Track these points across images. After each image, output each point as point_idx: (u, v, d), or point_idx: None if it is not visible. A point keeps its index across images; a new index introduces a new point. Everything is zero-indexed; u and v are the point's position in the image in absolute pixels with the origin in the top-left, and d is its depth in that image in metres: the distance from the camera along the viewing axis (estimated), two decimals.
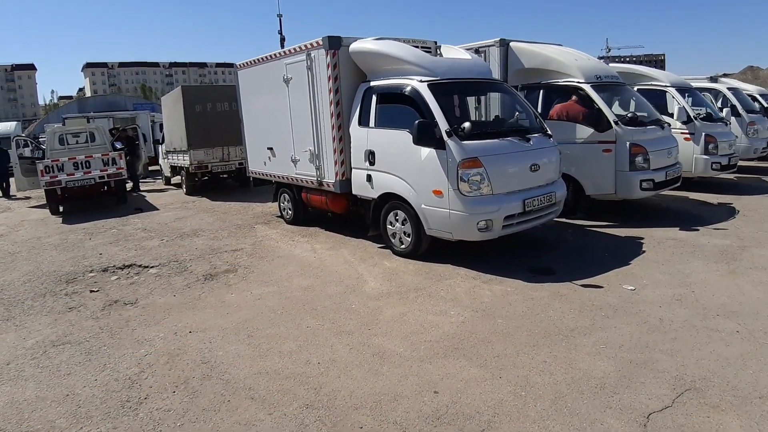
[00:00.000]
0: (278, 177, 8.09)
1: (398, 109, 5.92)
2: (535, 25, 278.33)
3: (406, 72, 5.89)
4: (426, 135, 5.34)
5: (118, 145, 12.05)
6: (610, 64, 9.74)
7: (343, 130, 6.49)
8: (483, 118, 7.23)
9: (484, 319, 4.24)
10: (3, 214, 11.65)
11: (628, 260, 5.53)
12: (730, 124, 9.73)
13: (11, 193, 14.36)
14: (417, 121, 5.36)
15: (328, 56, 6.31)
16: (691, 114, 8.78)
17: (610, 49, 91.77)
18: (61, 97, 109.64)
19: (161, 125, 15.62)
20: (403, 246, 6.03)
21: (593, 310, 4.31)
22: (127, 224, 9.15)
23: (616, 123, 6.89)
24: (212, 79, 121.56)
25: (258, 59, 8.03)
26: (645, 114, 7.69)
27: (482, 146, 5.37)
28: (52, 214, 10.70)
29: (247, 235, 7.72)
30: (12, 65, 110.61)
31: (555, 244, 6.30)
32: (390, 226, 6.16)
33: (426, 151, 5.46)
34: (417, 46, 6.40)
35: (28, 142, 13.41)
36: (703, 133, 8.74)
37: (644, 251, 5.86)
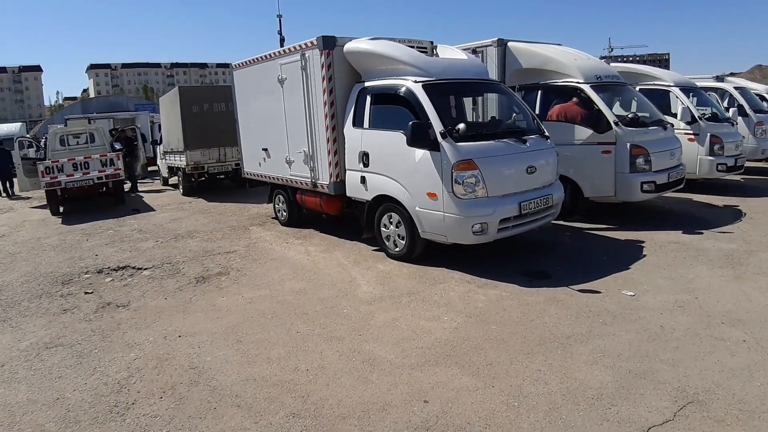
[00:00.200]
0: (273, 178, 8.02)
1: (393, 110, 5.84)
2: (535, 25, 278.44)
3: (400, 72, 5.81)
4: (420, 136, 5.27)
5: (117, 146, 12.06)
6: (612, 64, 9.63)
7: (337, 131, 6.42)
8: (479, 120, 7.12)
9: (478, 324, 4.14)
10: (6, 214, 11.71)
11: (628, 264, 5.40)
12: (736, 124, 9.52)
13: (14, 193, 14.45)
14: (411, 122, 5.28)
15: (323, 56, 6.24)
16: (696, 114, 8.63)
17: (612, 49, 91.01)
18: (65, 98, 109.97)
19: (160, 126, 15.62)
20: (397, 249, 5.94)
21: (591, 316, 4.19)
22: (123, 225, 9.14)
23: (616, 124, 6.78)
24: (213, 79, 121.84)
25: (253, 59, 7.96)
26: (647, 114, 7.56)
27: (477, 148, 5.28)
28: (53, 215, 10.74)
29: (241, 237, 7.67)
30: (19, 67, 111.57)
31: (552, 248, 6.18)
32: (384, 229, 6.08)
33: (420, 153, 5.37)
34: (412, 46, 6.32)
35: (32, 143, 13.50)
36: (708, 134, 8.58)
37: (645, 255, 5.72)
